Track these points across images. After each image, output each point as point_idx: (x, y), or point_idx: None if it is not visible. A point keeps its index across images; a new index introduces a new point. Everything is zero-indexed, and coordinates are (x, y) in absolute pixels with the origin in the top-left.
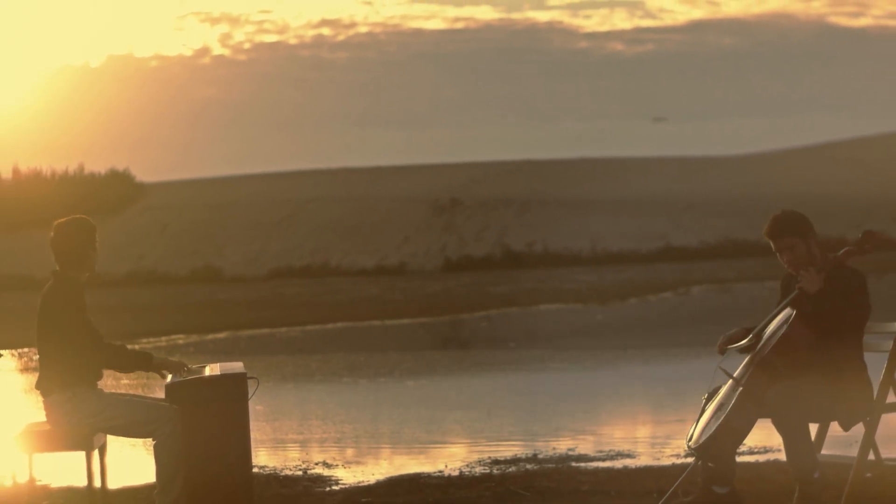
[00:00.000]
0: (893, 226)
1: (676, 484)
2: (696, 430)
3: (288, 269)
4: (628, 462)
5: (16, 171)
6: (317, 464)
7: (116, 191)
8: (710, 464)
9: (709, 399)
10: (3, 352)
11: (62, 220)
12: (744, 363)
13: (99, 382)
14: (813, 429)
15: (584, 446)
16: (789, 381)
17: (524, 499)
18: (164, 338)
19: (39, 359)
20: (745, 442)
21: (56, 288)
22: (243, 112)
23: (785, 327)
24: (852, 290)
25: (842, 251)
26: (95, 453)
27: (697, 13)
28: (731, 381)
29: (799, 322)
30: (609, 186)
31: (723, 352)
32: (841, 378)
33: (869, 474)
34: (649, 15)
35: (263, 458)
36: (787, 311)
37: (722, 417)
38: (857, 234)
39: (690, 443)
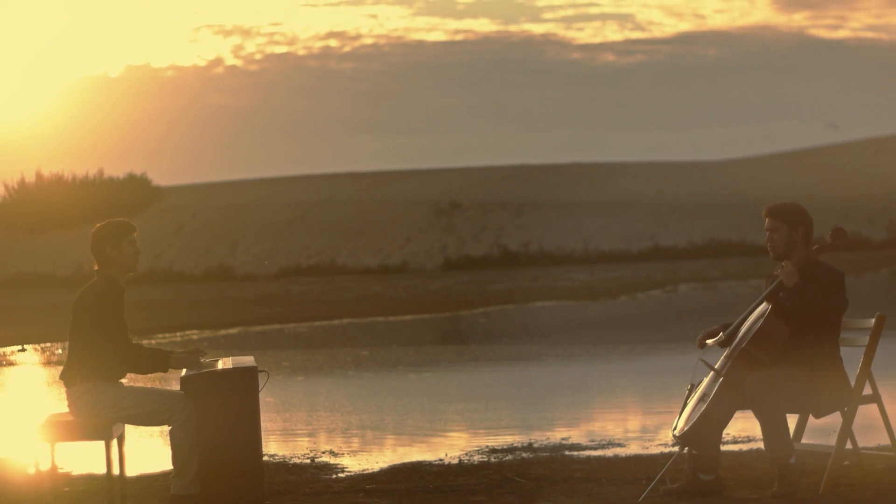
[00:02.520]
0: (869, 227)
1: (663, 471)
2: (681, 420)
3: (296, 268)
4: (619, 451)
5: (39, 176)
6: (324, 452)
7: (134, 194)
8: (694, 451)
9: (691, 390)
10: (26, 346)
11: (100, 223)
12: (724, 355)
13: (120, 379)
14: (793, 420)
15: (577, 436)
16: (768, 370)
17: (520, 485)
18: (178, 333)
19: (68, 350)
20: (728, 432)
21: (92, 285)
22: (254, 119)
23: (762, 321)
24: (830, 286)
25: (814, 247)
26: (114, 442)
27: (684, 26)
28: (712, 373)
29: (775, 316)
30: (600, 190)
31: (702, 346)
32: (817, 369)
33: (846, 462)
34: (639, 27)
35: (273, 447)
36: (764, 306)
37: (704, 407)
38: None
39: (675, 432)
